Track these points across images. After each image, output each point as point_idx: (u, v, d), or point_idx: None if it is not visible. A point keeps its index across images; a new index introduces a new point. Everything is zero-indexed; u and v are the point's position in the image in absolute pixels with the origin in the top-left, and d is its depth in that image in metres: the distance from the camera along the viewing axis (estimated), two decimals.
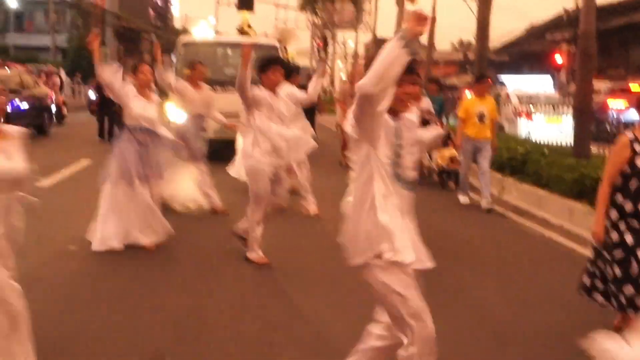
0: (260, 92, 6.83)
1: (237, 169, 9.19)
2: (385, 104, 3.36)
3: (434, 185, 12.76)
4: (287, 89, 8.18)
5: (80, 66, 41.39)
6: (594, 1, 12.18)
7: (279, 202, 7.24)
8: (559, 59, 36.95)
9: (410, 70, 3.44)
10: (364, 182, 3.50)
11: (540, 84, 37.02)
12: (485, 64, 19.23)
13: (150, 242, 7.32)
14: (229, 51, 16.85)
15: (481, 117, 10.49)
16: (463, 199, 11.06)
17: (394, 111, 3.55)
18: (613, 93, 24.52)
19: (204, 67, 9.85)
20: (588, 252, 5.79)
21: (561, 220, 9.29)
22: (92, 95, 22.88)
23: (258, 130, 6.78)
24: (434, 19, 30.00)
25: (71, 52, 47.68)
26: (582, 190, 9.30)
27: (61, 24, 51.81)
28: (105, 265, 6.86)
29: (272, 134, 6.82)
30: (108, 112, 17.78)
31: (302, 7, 40.75)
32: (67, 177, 12.26)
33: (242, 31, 22.40)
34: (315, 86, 8.57)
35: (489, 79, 11.42)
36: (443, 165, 12.58)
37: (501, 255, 8.16)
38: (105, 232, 7.19)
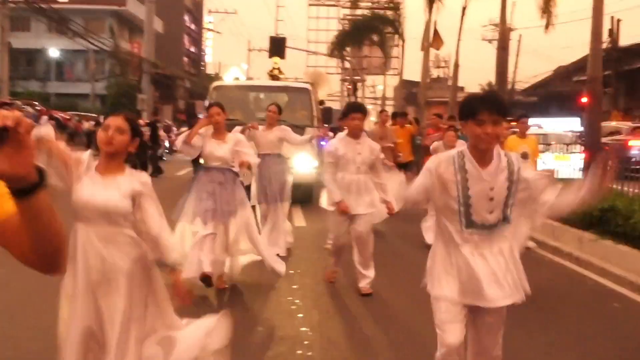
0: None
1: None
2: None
3: None
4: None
5: (119, 111, 42.47)
6: (600, 49, 12.31)
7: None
8: (584, 99, 37.61)
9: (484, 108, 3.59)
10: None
11: (568, 125, 37.70)
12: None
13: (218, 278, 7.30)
14: (261, 95, 16.88)
15: (524, 157, 10.01)
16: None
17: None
18: (634, 132, 25.09)
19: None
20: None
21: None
22: None
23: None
24: (457, 64, 30.83)
25: (110, 99, 49.22)
26: (591, 221, 9.88)
27: (100, 72, 53.72)
28: None
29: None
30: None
31: (332, 53, 42.04)
32: None
33: (273, 75, 22.64)
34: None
35: (527, 118, 11.25)
36: None
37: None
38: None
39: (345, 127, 7.50)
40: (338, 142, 7.43)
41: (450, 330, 3.76)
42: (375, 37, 39.91)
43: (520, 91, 59.44)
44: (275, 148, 9.41)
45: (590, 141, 12.14)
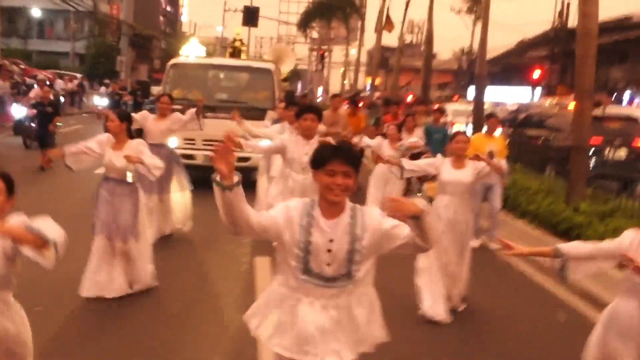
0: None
1: None
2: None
3: None
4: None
5: (97, 71, 44.26)
6: (593, 49, 11.52)
7: None
8: (536, 74, 40.35)
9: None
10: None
11: (520, 96, 40.42)
12: (485, 81, 20.09)
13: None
14: (221, 74, 16.18)
15: (491, 156, 9.36)
16: (474, 242, 9.31)
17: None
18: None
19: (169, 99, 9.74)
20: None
21: None
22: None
23: None
24: (430, 32, 31.95)
25: (89, 58, 50.97)
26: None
27: (80, 31, 55.27)
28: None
29: None
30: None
31: (300, 26, 44.73)
32: None
33: (234, 47, 21.85)
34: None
35: (497, 118, 11.04)
36: (433, 197, 11.50)
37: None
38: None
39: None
40: (289, 137, 7.71)
41: None
42: (339, 14, 42.73)
43: (487, 61, 62.01)
44: (164, 138, 9.54)
45: (578, 140, 11.83)
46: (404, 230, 3.37)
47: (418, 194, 11.49)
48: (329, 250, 3.38)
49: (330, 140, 7.20)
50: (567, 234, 9.38)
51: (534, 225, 10.66)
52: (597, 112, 16.17)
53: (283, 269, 3.52)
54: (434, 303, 6.78)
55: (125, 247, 6.94)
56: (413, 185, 12.06)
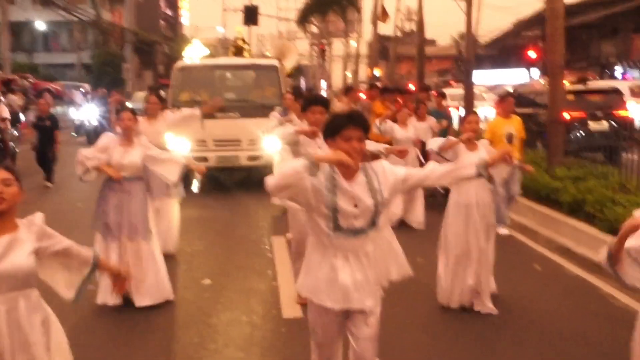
0: None
1: None
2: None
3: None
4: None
5: (103, 81, 45.16)
6: (560, 28, 12.40)
7: None
8: (532, 54, 41.16)
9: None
10: None
11: (517, 78, 41.25)
12: (472, 65, 20.56)
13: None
14: (227, 73, 16.32)
15: (510, 138, 9.60)
16: (502, 230, 9.60)
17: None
18: None
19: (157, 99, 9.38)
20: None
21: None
22: None
23: None
24: (421, 21, 31.48)
25: (95, 68, 52.03)
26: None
27: (84, 41, 56.23)
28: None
29: None
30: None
31: (300, 22, 46.04)
32: None
33: (236, 46, 21.94)
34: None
35: (512, 97, 10.82)
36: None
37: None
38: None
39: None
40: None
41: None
42: (336, 8, 44.00)
43: (484, 45, 63.01)
44: (160, 139, 8.83)
45: (553, 115, 12.50)
46: (415, 170, 4.02)
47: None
48: (355, 206, 3.74)
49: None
50: (548, 199, 10.44)
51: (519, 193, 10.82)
52: (580, 87, 17.28)
53: (315, 231, 3.87)
54: (449, 291, 6.77)
55: (135, 246, 6.80)
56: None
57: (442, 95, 14.53)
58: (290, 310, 6.69)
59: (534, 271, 8.36)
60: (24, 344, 3.41)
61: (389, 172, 3.87)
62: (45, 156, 15.15)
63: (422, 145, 10.65)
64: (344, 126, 3.68)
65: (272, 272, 8.20)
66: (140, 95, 33.90)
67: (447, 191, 8.05)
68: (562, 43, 12.31)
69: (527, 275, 8.19)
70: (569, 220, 9.44)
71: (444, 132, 11.45)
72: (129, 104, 20.51)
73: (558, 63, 12.39)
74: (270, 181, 3.59)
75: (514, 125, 9.79)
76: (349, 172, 3.75)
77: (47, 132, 15.15)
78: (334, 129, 3.73)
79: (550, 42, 12.59)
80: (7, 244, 3.37)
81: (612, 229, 8.44)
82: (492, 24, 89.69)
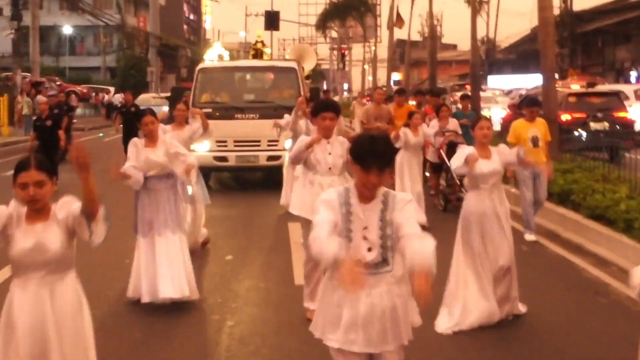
0: None
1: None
2: None
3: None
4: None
5: (128, 84, 46.34)
6: (551, 35, 13.65)
7: None
8: None
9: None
10: None
11: (535, 82, 41.84)
12: (479, 69, 22.50)
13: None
14: (247, 75, 16.49)
15: (535, 141, 9.52)
16: (529, 236, 9.57)
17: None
18: None
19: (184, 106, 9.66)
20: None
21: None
22: None
23: None
24: (432, 25, 32.07)
25: (120, 71, 53.44)
26: None
27: (109, 45, 57.71)
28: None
29: None
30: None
31: (319, 27, 47.28)
32: None
33: (256, 49, 22.24)
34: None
35: (540, 105, 10.78)
36: None
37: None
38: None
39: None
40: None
41: None
42: (355, 14, 45.17)
43: (501, 50, 63.79)
44: (187, 147, 8.64)
45: (548, 113, 12.93)
46: (409, 229, 3.50)
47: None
48: (365, 238, 3.56)
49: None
50: None
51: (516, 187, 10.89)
52: (582, 89, 18.19)
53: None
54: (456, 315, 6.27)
55: (163, 240, 6.90)
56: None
57: (467, 98, 15.32)
58: (302, 278, 7.41)
59: (519, 251, 9.21)
60: (67, 326, 3.68)
61: (401, 207, 3.60)
62: (51, 159, 14.13)
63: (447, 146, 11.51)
64: (364, 159, 3.52)
65: (287, 250, 9.17)
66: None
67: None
68: (554, 49, 13.36)
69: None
70: (557, 209, 10.36)
71: (466, 131, 11.42)
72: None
73: (550, 66, 13.35)
74: (312, 250, 3.48)
75: (539, 128, 9.65)
76: (366, 195, 3.61)
77: (49, 133, 14.52)
78: (356, 157, 3.58)
79: (543, 47, 13.62)
80: (42, 230, 3.65)
81: (593, 215, 9.42)
82: (509, 30, 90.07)
